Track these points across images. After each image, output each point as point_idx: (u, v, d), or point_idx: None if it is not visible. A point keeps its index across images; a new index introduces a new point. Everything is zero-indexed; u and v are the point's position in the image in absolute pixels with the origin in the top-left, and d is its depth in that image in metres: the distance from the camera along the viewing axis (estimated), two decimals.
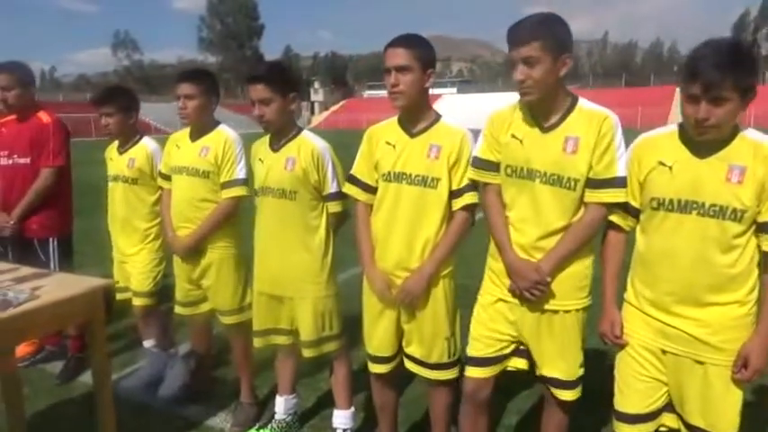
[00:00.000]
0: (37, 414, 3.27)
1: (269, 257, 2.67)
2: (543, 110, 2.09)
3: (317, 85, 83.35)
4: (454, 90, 73.33)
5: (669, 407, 2.01)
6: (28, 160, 3.58)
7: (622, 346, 2.05)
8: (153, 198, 3.37)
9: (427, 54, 2.28)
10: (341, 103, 77.24)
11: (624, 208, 2.06)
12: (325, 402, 3.22)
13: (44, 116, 3.65)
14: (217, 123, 3.05)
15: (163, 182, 3.19)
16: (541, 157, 2.08)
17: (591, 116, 2.05)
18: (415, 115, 2.34)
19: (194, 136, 3.02)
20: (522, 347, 2.24)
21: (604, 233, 2.15)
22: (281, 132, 2.63)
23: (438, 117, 2.37)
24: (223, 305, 3.05)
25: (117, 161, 3.39)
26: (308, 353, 2.69)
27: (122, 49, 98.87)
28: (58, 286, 2.52)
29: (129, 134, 3.38)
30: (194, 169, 2.95)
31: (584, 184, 2.05)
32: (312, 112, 73.22)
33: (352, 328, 2.82)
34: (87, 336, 2.60)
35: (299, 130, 2.67)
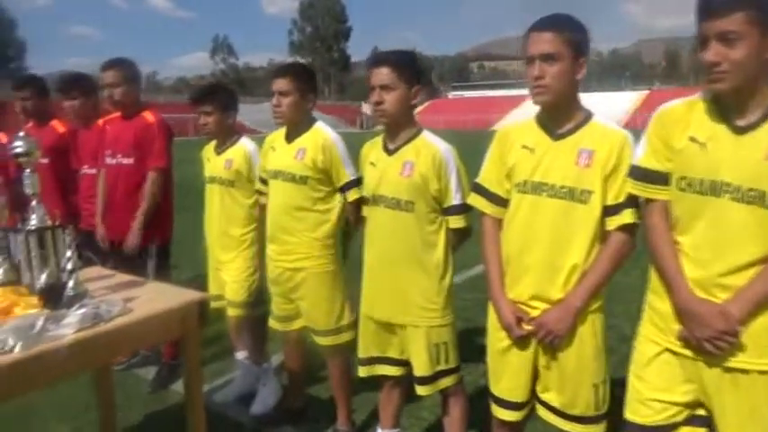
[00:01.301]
0: (129, 422, 3.15)
1: (378, 277, 2.35)
2: (738, 104, 1.60)
3: None
4: None
5: None
6: (132, 161, 3.47)
7: None
8: (250, 202, 3.16)
9: (580, 38, 1.87)
10: (426, 104, 76.88)
11: None
12: None
13: (149, 116, 3.54)
14: (313, 121, 2.77)
15: (261, 186, 2.97)
16: (735, 167, 1.59)
17: None
18: (562, 114, 1.93)
19: (290, 137, 2.75)
20: (698, 414, 1.76)
21: None
22: (399, 130, 2.29)
23: (589, 115, 1.95)
24: (317, 324, 2.77)
25: (214, 162, 3.20)
26: (422, 390, 2.34)
27: (219, 53, 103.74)
28: (153, 298, 2.33)
29: (227, 134, 3.19)
30: (290, 174, 2.68)
31: None
32: None
33: None
34: (181, 347, 2.40)
35: (420, 129, 2.32)
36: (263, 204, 3.13)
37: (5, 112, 4.66)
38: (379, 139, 2.40)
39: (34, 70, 57.63)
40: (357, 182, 2.65)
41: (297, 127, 2.72)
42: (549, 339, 1.90)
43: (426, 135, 2.30)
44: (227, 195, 3.14)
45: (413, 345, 2.31)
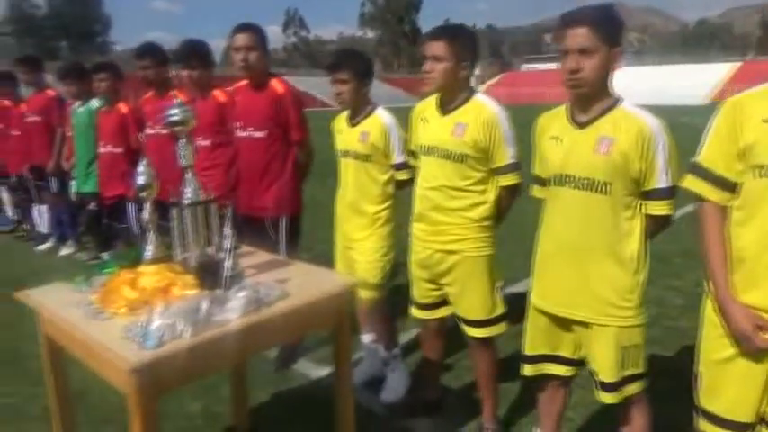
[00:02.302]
0: (257, 400, 3.06)
1: (558, 267, 2.06)
2: None
3: None
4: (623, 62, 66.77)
5: None
6: (264, 134, 3.29)
7: None
8: (385, 177, 2.94)
9: None
10: (498, 77, 74.61)
11: None
12: None
13: (278, 85, 3.35)
14: (471, 92, 2.48)
15: (411, 159, 2.76)
16: None
17: None
18: None
19: (445, 108, 2.48)
20: None
21: None
22: (594, 101, 1.96)
23: None
24: (470, 314, 2.53)
25: (347, 134, 2.99)
26: (606, 398, 2.05)
27: (291, 26, 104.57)
28: (306, 282, 2.15)
29: (362, 104, 2.96)
30: (446, 151, 2.41)
31: None
32: None
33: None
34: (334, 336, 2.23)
35: (618, 99, 1.98)
36: (401, 180, 2.93)
37: (124, 84, 4.66)
38: (561, 110, 2.09)
39: (118, 45, 60.41)
40: (516, 166, 2.40)
41: (452, 98, 2.44)
42: None
43: (628, 106, 1.96)
44: (361, 170, 2.93)
45: (597, 345, 2.03)
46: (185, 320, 1.72)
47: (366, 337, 3.21)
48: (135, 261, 2.12)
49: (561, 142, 2.02)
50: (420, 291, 2.67)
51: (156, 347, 1.62)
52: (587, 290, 1.99)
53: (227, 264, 1.99)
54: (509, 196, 2.47)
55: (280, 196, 3.30)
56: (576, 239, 2.00)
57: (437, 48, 2.38)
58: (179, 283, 1.96)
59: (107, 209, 4.74)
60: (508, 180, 2.41)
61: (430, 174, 2.50)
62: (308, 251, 3.58)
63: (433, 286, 2.62)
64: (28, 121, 5.80)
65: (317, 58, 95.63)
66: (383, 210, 2.96)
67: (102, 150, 4.59)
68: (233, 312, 1.82)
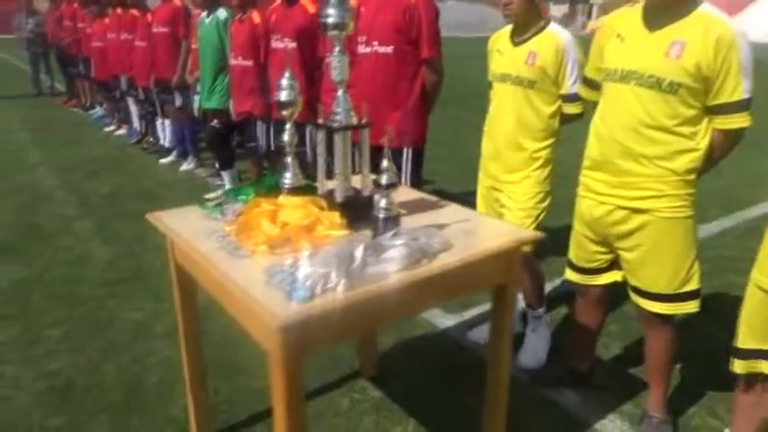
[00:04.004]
0: (381, 347, 2.81)
1: None
2: None
3: None
4: None
5: None
6: (390, 49, 2.89)
7: None
8: (551, 109, 2.44)
9: None
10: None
11: None
12: None
13: None
14: (694, 3, 1.86)
15: (586, 90, 2.25)
16: None
17: None
18: None
19: (655, 22, 1.89)
20: None
21: None
22: None
23: None
24: (653, 285, 2.04)
25: (510, 54, 2.49)
26: None
27: None
28: (466, 229, 1.79)
29: (532, 18, 2.44)
30: (653, 78, 1.86)
31: None
32: (589, 17, 66.20)
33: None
34: (494, 299, 1.87)
35: None
36: (569, 114, 2.45)
37: None
38: None
39: None
40: (748, 103, 1.82)
41: (668, 9, 1.87)
42: None
43: None
44: (522, 99, 2.45)
45: None
46: (339, 270, 1.42)
47: None
48: (272, 189, 1.84)
49: None
50: (583, 253, 2.22)
51: (306, 301, 1.33)
52: None
53: (383, 203, 1.66)
54: (728, 143, 1.91)
55: (404, 123, 2.92)
56: None
57: None
58: (325, 221, 1.67)
59: (236, 125, 4.58)
60: (734, 122, 1.84)
61: (621, 108, 1.97)
62: (426, 184, 3.23)
63: (604, 249, 2.17)
64: (154, 32, 5.73)
65: None
66: (544, 148, 2.49)
67: (233, 63, 4.35)
68: (392, 264, 1.49)
